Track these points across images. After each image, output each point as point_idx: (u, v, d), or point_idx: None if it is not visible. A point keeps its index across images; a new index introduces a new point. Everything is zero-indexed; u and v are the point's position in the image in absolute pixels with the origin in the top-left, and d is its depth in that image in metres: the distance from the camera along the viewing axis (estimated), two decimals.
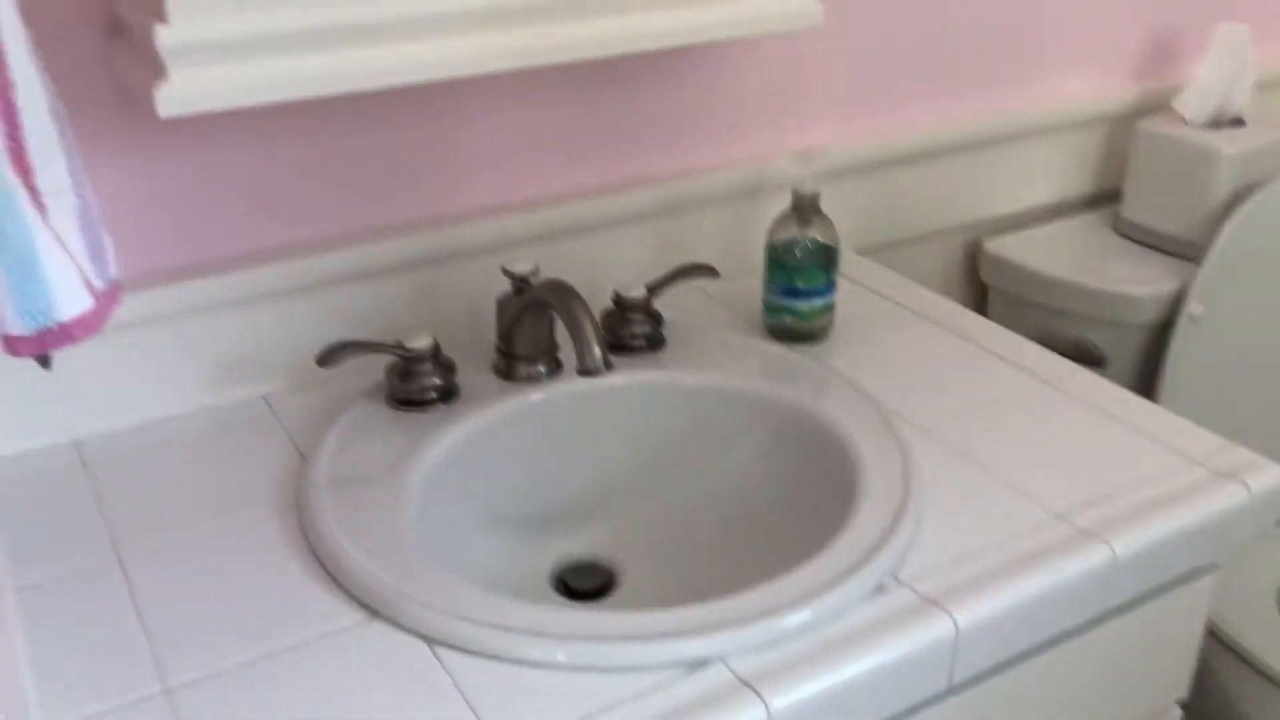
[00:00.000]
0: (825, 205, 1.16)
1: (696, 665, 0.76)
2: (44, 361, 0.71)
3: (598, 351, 0.94)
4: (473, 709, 0.73)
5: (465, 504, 0.98)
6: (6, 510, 0.91)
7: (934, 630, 0.80)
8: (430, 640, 0.78)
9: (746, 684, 0.75)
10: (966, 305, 1.51)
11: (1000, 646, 0.85)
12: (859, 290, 1.27)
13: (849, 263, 1.32)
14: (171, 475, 0.96)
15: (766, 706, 0.74)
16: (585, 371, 0.94)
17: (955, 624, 0.81)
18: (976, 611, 0.82)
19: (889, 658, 0.78)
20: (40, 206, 0.66)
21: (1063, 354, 1.14)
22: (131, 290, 0.97)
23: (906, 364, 1.12)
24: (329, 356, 0.99)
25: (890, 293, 1.26)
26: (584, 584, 1.01)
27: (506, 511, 1.02)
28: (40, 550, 0.87)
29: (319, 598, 0.82)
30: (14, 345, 0.65)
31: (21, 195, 0.63)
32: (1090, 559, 0.87)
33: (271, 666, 0.76)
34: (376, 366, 1.04)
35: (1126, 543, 0.88)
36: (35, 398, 0.97)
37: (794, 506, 0.99)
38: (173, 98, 0.81)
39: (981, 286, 1.51)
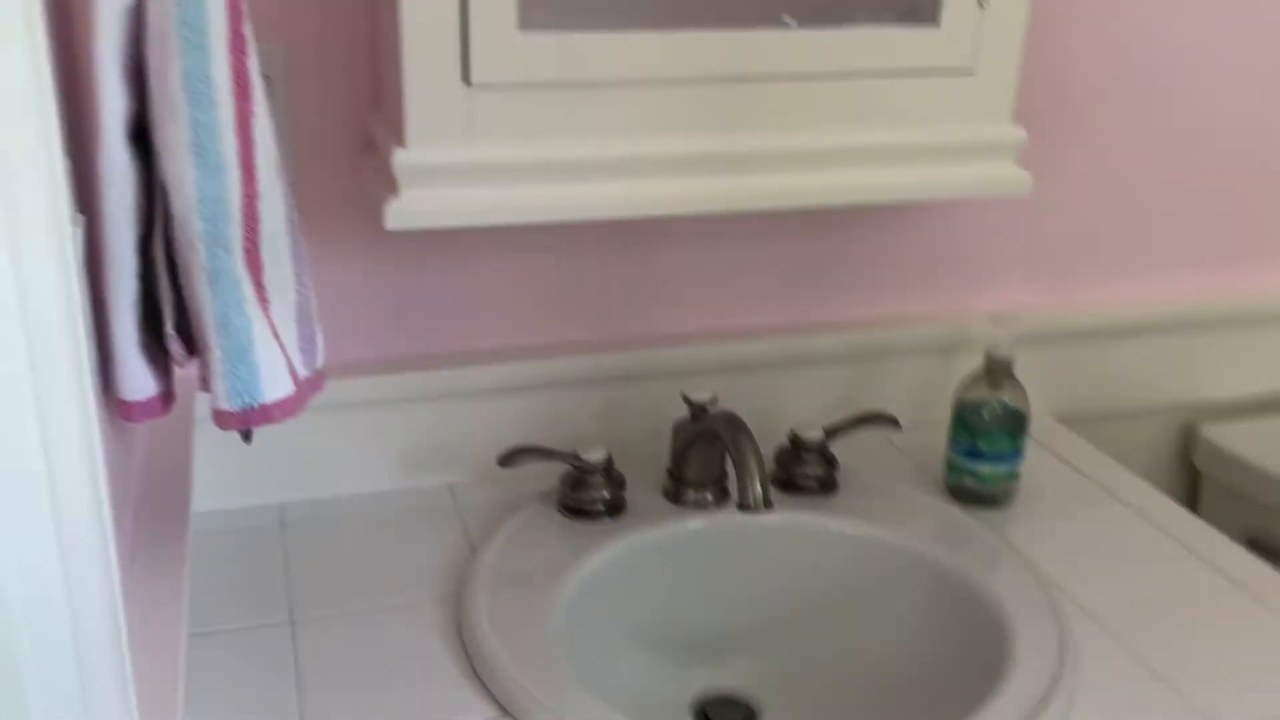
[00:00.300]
0: (1028, 368, 1.15)
1: None
2: (246, 436, 0.79)
3: (759, 489, 0.96)
4: None
5: (616, 619, 1.01)
6: (204, 560, 1.01)
7: None
8: None
9: None
10: (1175, 491, 1.43)
11: None
12: (1052, 460, 1.23)
13: (1047, 431, 1.28)
14: (355, 548, 1.04)
15: None
16: (744, 507, 0.96)
17: None
18: None
19: None
20: (264, 300, 0.75)
21: (1275, 562, 1.07)
22: (344, 376, 1.07)
23: (1088, 545, 1.08)
24: (509, 459, 1.05)
25: (1085, 467, 1.22)
26: (724, 718, 1.01)
27: (656, 633, 1.04)
28: (224, 601, 0.96)
29: (459, 688, 0.87)
30: (222, 419, 0.74)
31: (248, 290, 0.72)
32: None
33: None
34: (554, 472, 1.10)
35: None
36: (250, 460, 1.07)
37: (941, 672, 0.97)
38: (401, 213, 0.90)
39: (1193, 472, 1.43)
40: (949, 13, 1.00)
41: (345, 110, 1.02)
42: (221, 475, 1.07)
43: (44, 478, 0.49)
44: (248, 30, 0.72)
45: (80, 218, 0.62)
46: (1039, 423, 1.31)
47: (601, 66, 0.92)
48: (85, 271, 0.70)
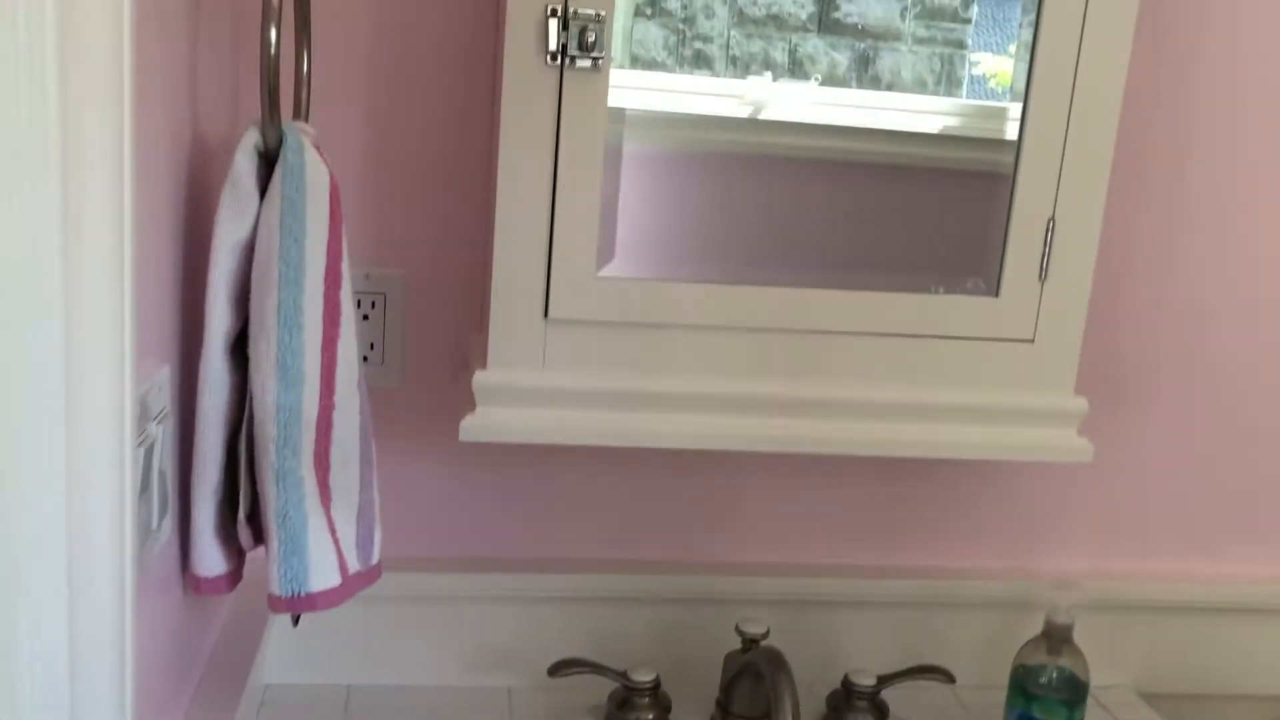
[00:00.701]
0: (1113, 638, 1.15)
1: None
2: (294, 620, 0.87)
3: None
4: None
5: None
6: None
7: None
8: None
9: None
10: None
11: None
12: None
13: (1124, 705, 1.25)
14: None
15: None
16: None
17: None
18: None
19: None
20: (326, 498, 0.84)
21: None
22: (420, 570, 1.14)
23: None
24: (557, 669, 1.10)
25: None
26: None
27: None
28: None
29: None
30: (273, 603, 0.82)
31: (310, 490, 0.82)
32: None
33: None
34: (607, 685, 1.13)
35: None
36: (325, 641, 1.15)
37: None
38: (473, 428, 1.00)
39: None
40: (1009, 284, 1.05)
41: (452, 329, 1.13)
42: (298, 651, 1.15)
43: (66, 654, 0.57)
44: (344, 267, 0.83)
45: (151, 435, 0.72)
46: (1115, 694, 1.27)
47: (669, 312, 1.01)
48: (176, 460, 0.81)
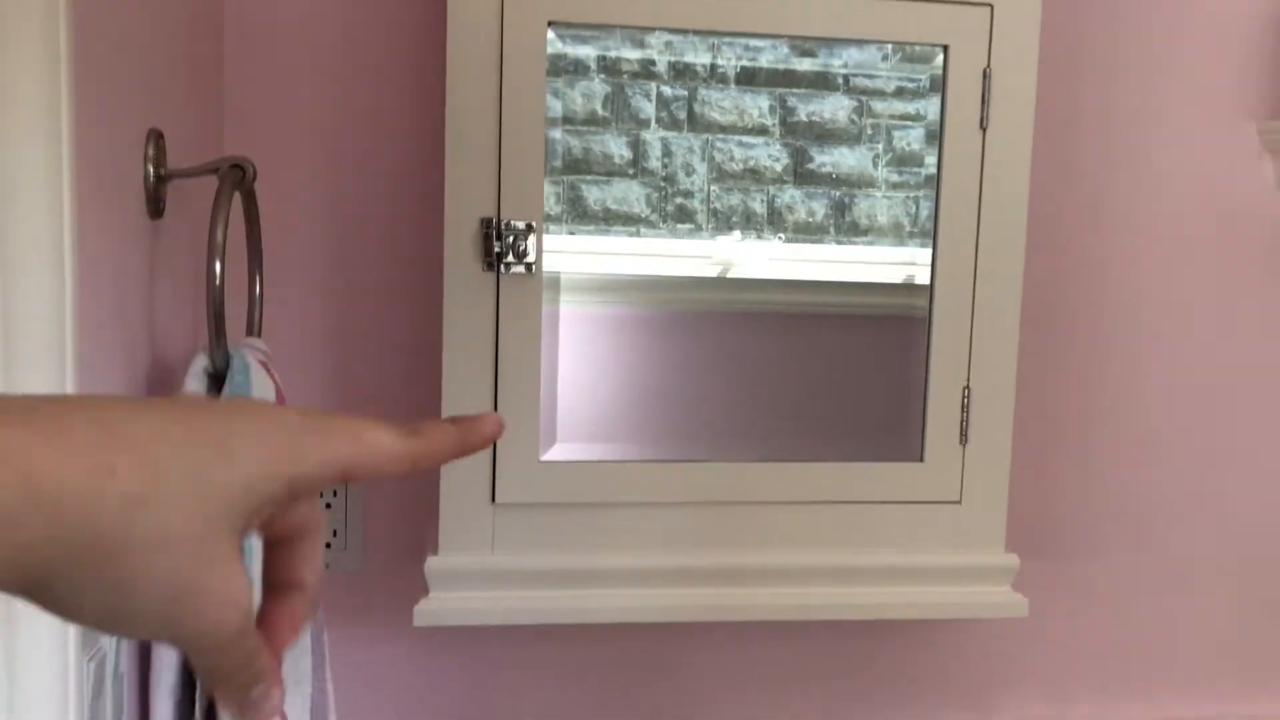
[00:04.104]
0: None
1: None
2: None
3: None
4: None
5: None
6: None
7: None
8: None
9: None
10: None
11: None
12: None
13: None
14: None
15: None
16: None
17: None
18: None
19: None
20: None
21: None
22: None
23: None
24: None
25: None
26: None
27: None
28: None
29: None
30: None
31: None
32: None
33: None
34: None
35: None
36: None
37: None
38: (426, 613, 1.04)
39: None
40: (931, 448, 1.11)
41: (413, 515, 1.19)
42: None
43: None
44: None
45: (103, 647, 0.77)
46: None
47: (611, 491, 1.07)
48: (136, 661, 0.86)
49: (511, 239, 1.02)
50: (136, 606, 0.33)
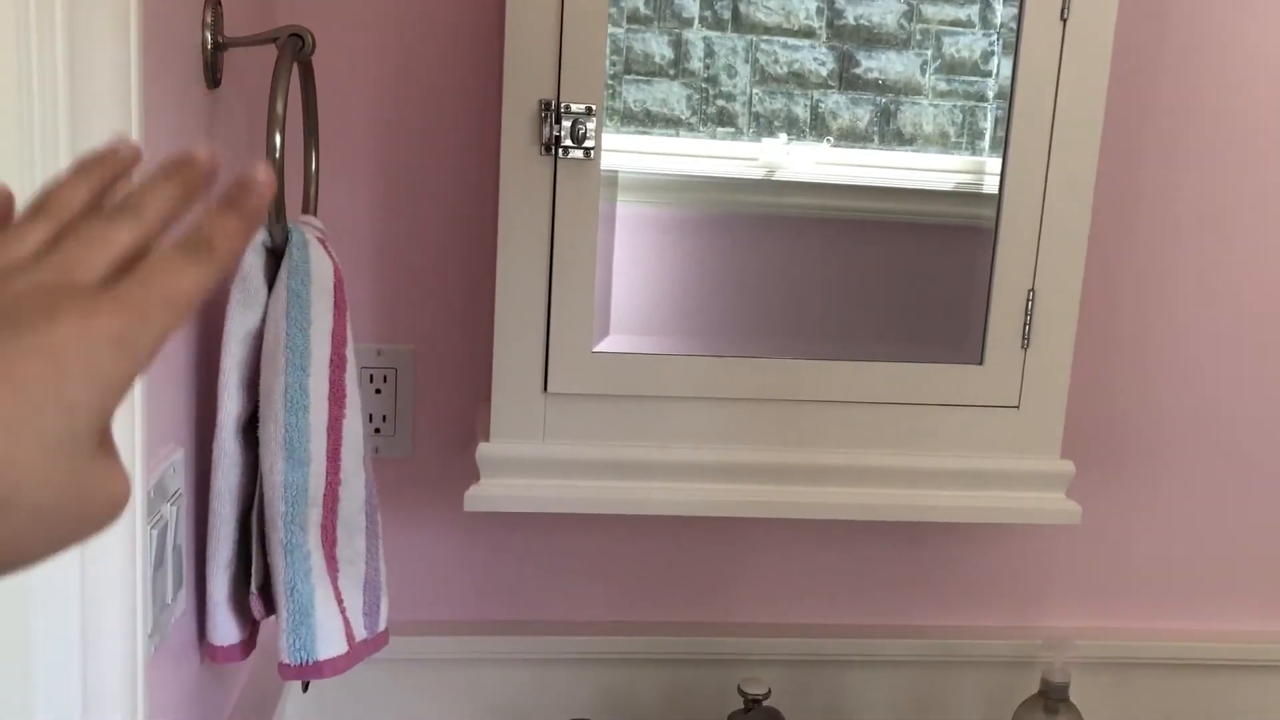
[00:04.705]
0: (1115, 696, 1.18)
1: None
2: (304, 686, 0.92)
3: None
4: None
5: None
6: None
7: None
8: None
9: None
10: None
11: None
12: None
13: None
14: None
15: None
16: None
17: None
18: None
19: None
20: (333, 570, 0.89)
21: None
22: (428, 634, 1.19)
23: None
24: None
25: None
26: None
27: None
28: None
29: None
30: (282, 671, 0.87)
31: (317, 563, 0.87)
32: None
33: None
34: None
35: None
36: (343, 705, 1.19)
37: None
38: (478, 498, 1.04)
39: None
40: (992, 351, 1.09)
41: (462, 403, 1.19)
42: (317, 714, 1.20)
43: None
44: (349, 352, 0.89)
45: (164, 515, 0.77)
46: None
47: (663, 384, 1.06)
48: (192, 535, 0.86)
49: (570, 123, 1.00)
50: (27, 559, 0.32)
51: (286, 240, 0.84)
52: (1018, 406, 1.10)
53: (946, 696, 1.27)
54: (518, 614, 1.24)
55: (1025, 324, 1.08)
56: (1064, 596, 1.30)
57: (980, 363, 1.09)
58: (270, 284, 0.85)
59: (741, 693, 1.15)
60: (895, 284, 1.16)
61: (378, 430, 1.18)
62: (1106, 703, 1.28)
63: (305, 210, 0.95)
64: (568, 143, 1.00)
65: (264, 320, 0.85)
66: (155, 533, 0.73)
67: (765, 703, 1.14)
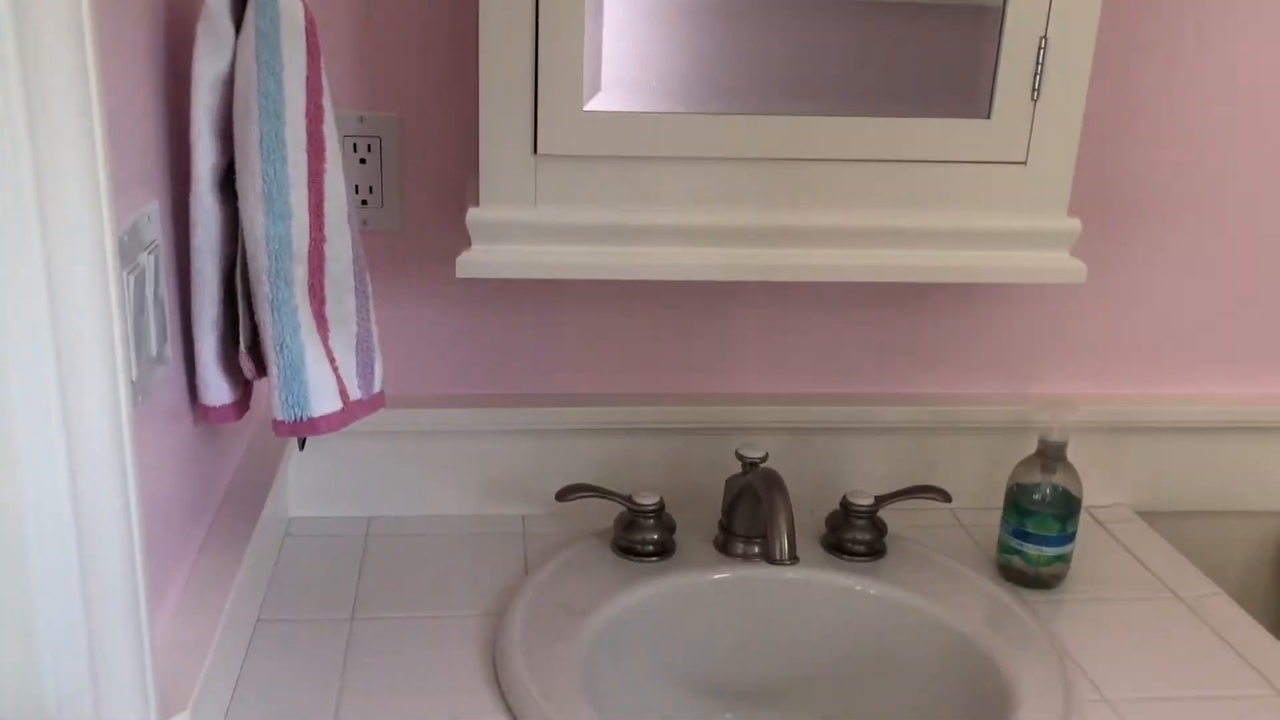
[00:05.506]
0: (1112, 460, 1.20)
1: None
2: (301, 443, 0.92)
3: (784, 542, 1.02)
4: None
5: (648, 655, 1.08)
6: (294, 557, 1.14)
7: None
8: None
9: None
10: (1273, 594, 1.39)
11: None
12: (1119, 551, 1.23)
13: (1122, 523, 1.28)
14: (425, 563, 1.15)
15: None
16: (770, 559, 1.02)
17: None
18: None
19: None
20: (324, 329, 0.87)
21: None
22: (429, 406, 1.19)
23: (1129, 636, 1.08)
24: (565, 494, 1.15)
25: (1152, 561, 1.21)
26: None
27: (686, 673, 1.10)
28: (303, 593, 1.08)
29: (477, 695, 0.96)
30: (277, 427, 0.86)
31: (305, 319, 0.85)
32: None
33: None
34: (616, 509, 1.18)
35: None
36: (348, 476, 1.21)
37: None
38: (468, 264, 1.02)
39: None
40: (1001, 104, 1.04)
41: (452, 173, 1.15)
42: (323, 486, 1.21)
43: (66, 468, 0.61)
44: (326, 101, 0.85)
45: (141, 263, 0.75)
46: (1114, 513, 1.30)
47: (656, 144, 1.02)
48: (176, 292, 0.84)
49: None
50: None
51: None
52: (1025, 162, 1.06)
53: (943, 460, 1.28)
54: (516, 388, 1.24)
55: (1036, 74, 1.04)
56: (1062, 363, 1.30)
57: (987, 117, 1.05)
58: (238, 26, 0.81)
59: (739, 456, 1.15)
60: (899, 32, 1.10)
61: (364, 202, 1.15)
62: (1103, 466, 1.30)
63: None
64: None
65: (233, 65, 0.81)
66: (133, 278, 0.71)
67: (762, 466, 1.14)
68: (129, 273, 0.70)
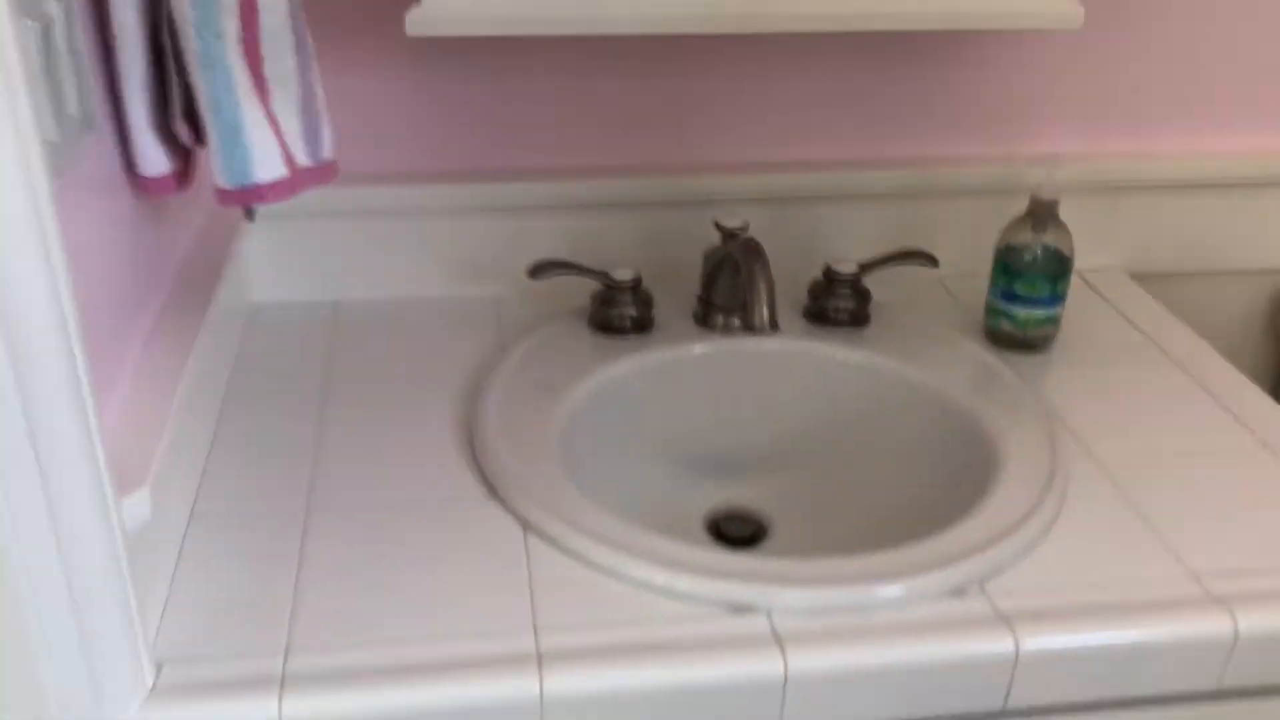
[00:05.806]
0: (1105, 220, 1.16)
1: (740, 610, 0.80)
2: (249, 214, 0.86)
3: (765, 311, 0.99)
4: (531, 589, 0.81)
5: (630, 430, 1.06)
6: (261, 342, 1.11)
7: (990, 646, 0.79)
8: (526, 526, 0.87)
9: (777, 638, 0.78)
10: (1265, 353, 1.37)
11: (1067, 687, 0.81)
12: (1109, 312, 1.20)
13: (1112, 283, 1.25)
14: (395, 344, 1.11)
15: (786, 665, 0.76)
16: (749, 328, 0.99)
17: (1016, 648, 0.78)
18: (1045, 642, 0.79)
19: (923, 659, 0.78)
20: (263, 90, 0.81)
21: None
22: (391, 184, 1.13)
23: (1117, 395, 1.06)
24: (539, 270, 1.10)
25: (1141, 321, 1.19)
26: (736, 531, 1.06)
27: (669, 447, 1.08)
28: (269, 377, 1.05)
29: (458, 472, 0.94)
30: (221, 196, 0.81)
31: (241, 79, 0.78)
32: (1205, 626, 0.81)
33: (391, 516, 0.88)
34: (591, 286, 1.14)
35: (1258, 621, 0.81)
36: (311, 258, 1.16)
37: (933, 498, 0.98)
38: (420, 21, 0.95)
39: None
40: None
41: None
42: (284, 270, 1.16)
43: None
44: None
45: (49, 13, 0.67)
46: (1105, 275, 1.27)
47: None
48: (98, 53, 0.77)
49: None
50: None
51: None
52: None
53: (930, 226, 1.23)
54: (480, 162, 1.17)
55: None
56: (1054, 122, 1.23)
57: None
58: None
59: (718, 226, 1.10)
60: None
61: None
62: (1095, 228, 1.25)
63: None
64: None
65: None
66: (38, 25, 0.64)
67: (742, 235, 1.10)
68: (32, 20, 0.63)
